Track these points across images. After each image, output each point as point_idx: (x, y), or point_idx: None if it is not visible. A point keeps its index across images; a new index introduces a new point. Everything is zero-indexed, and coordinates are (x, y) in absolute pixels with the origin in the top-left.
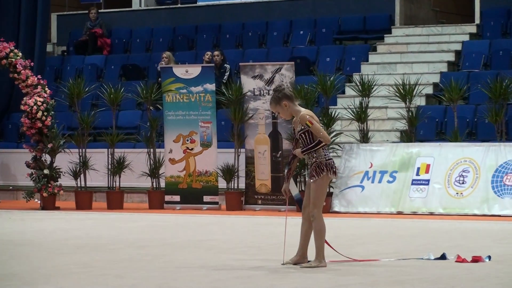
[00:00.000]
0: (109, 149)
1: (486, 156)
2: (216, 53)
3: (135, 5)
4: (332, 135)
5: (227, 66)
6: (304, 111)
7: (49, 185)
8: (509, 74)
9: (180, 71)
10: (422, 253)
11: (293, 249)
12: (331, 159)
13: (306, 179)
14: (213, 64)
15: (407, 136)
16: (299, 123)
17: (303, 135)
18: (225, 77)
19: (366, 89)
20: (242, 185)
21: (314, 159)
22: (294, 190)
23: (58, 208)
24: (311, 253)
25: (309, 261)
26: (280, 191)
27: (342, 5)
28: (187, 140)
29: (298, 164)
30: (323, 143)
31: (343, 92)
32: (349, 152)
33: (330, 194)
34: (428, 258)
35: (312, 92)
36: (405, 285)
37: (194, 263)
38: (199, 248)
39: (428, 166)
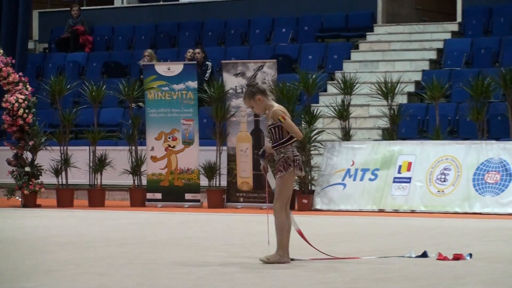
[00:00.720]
0: (90, 147)
1: (467, 154)
2: (197, 50)
3: (117, 2)
4: (314, 133)
5: (209, 63)
6: (277, 106)
7: (30, 182)
8: (490, 72)
9: (162, 68)
10: (404, 251)
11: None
12: (298, 155)
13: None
14: (195, 62)
15: (389, 134)
16: (271, 117)
17: (272, 130)
18: (207, 74)
19: (348, 87)
20: (224, 182)
21: (282, 155)
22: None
23: (39, 206)
24: (297, 251)
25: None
26: (262, 189)
27: (324, 3)
28: (169, 138)
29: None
30: (295, 139)
31: (325, 90)
32: (331, 150)
33: (311, 192)
34: (410, 256)
35: (294, 89)
36: (386, 283)
37: (175, 261)
38: (181, 245)
39: (409, 164)
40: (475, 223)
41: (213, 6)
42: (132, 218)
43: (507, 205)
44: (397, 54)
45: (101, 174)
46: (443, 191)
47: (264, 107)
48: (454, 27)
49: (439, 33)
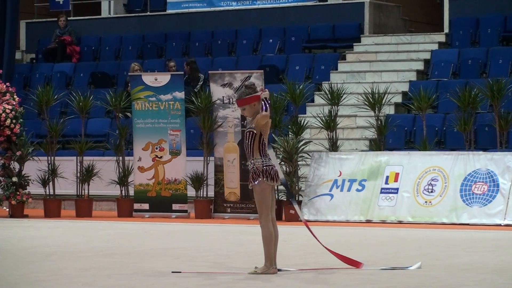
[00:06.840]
0: (78, 157)
1: (454, 164)
2: (172, 64)
3: (104, 13)
4: (301, 143)
5: (201, 75)
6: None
7: (18, 193)
8: (477, 83)
9: (149, 79)
10: (391, 262)
11: (261, 257)
12: (270, 165)
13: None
14: (182, 72)
15: (376, 145)
16: (251, 122)
17: (247, 134)
18: (198, 86)
19: (335, 98)
20: (211, 193)
21: (251, 165)
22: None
23: (26, 216)
24: (284, 262)
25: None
26: (249, 200)
27: (311, 13)
28: (156, 148)
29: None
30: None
31: (312, 101)
32: (318, 161)
33: (299, 202)
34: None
35: (281, 100)
36: None
37: (162, 271)
38: (168, 256)
39: (397, 174)
40: (462, 234)
41: (200, 17)
42: (119, 229)
43: (494, 216)
44: (384, 65)
45: (88, 185)
46: (430, 202)
47: (255, 112)
48: (441, 37)
49: (426, 43)
